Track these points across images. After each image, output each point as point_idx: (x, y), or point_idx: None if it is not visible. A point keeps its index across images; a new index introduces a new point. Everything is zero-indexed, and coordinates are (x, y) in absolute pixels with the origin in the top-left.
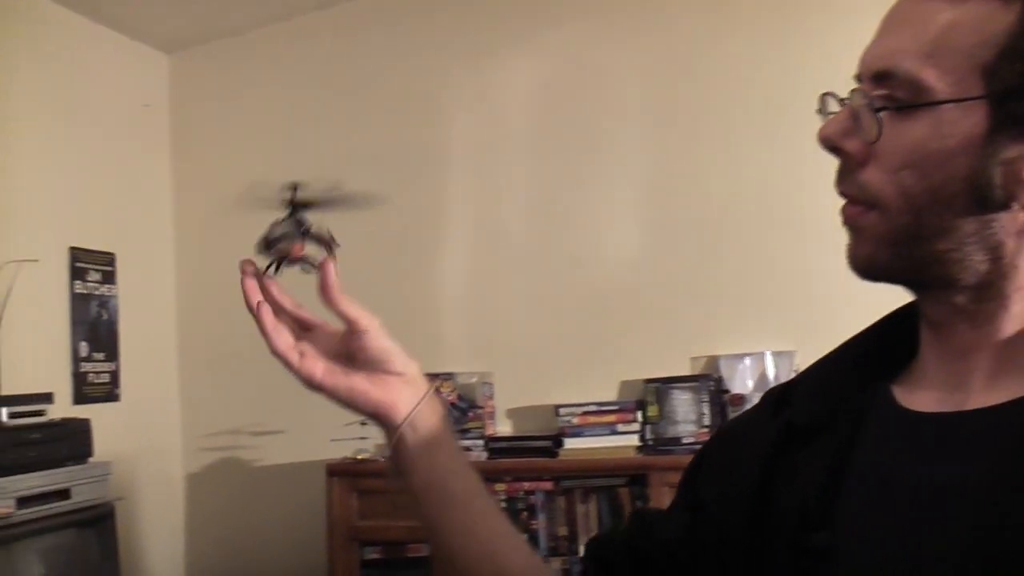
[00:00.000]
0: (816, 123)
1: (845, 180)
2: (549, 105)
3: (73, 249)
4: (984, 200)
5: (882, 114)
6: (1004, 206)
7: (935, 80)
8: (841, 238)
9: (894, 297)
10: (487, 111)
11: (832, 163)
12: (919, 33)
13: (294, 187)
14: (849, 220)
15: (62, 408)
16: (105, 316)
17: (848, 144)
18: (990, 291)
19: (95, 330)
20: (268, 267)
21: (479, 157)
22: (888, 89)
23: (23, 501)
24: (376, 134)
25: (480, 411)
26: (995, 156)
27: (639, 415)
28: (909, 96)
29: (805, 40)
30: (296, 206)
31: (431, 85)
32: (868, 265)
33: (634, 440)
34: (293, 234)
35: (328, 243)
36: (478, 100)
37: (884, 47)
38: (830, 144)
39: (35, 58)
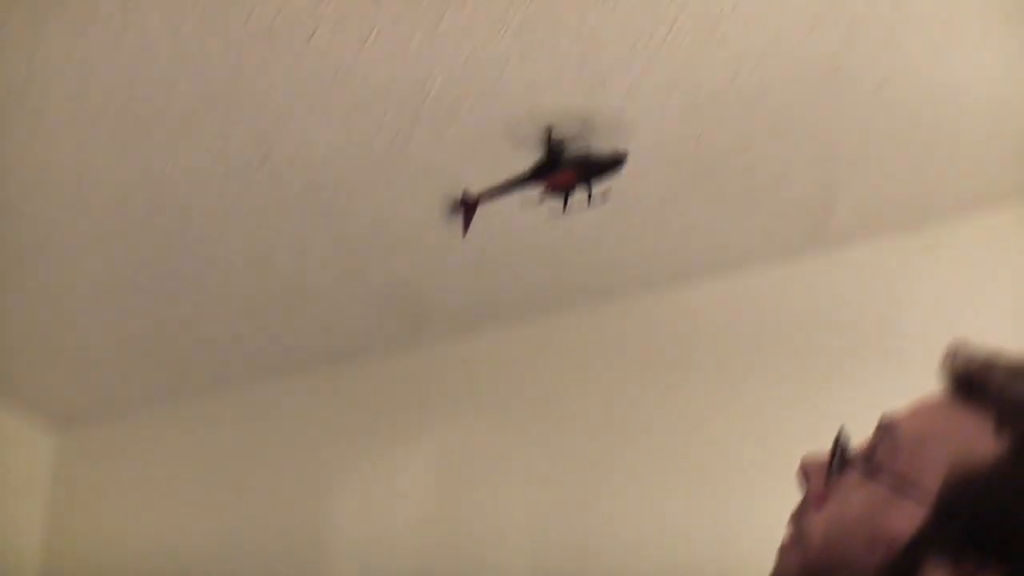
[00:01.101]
0: None
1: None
2: (438, 497)
3: None
4: None
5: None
6: None
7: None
8: None
9: None
10: (372, 500)
11: None
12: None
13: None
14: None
15: None
16: None
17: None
18: None
19: None
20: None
21: (361, 547)
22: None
23: None
24: (258, 515)
25: None
26: (916, 565)
27: None
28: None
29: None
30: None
31: (315, 469)
32: None
33: None
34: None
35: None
36: (364, 487)
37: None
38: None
39: None
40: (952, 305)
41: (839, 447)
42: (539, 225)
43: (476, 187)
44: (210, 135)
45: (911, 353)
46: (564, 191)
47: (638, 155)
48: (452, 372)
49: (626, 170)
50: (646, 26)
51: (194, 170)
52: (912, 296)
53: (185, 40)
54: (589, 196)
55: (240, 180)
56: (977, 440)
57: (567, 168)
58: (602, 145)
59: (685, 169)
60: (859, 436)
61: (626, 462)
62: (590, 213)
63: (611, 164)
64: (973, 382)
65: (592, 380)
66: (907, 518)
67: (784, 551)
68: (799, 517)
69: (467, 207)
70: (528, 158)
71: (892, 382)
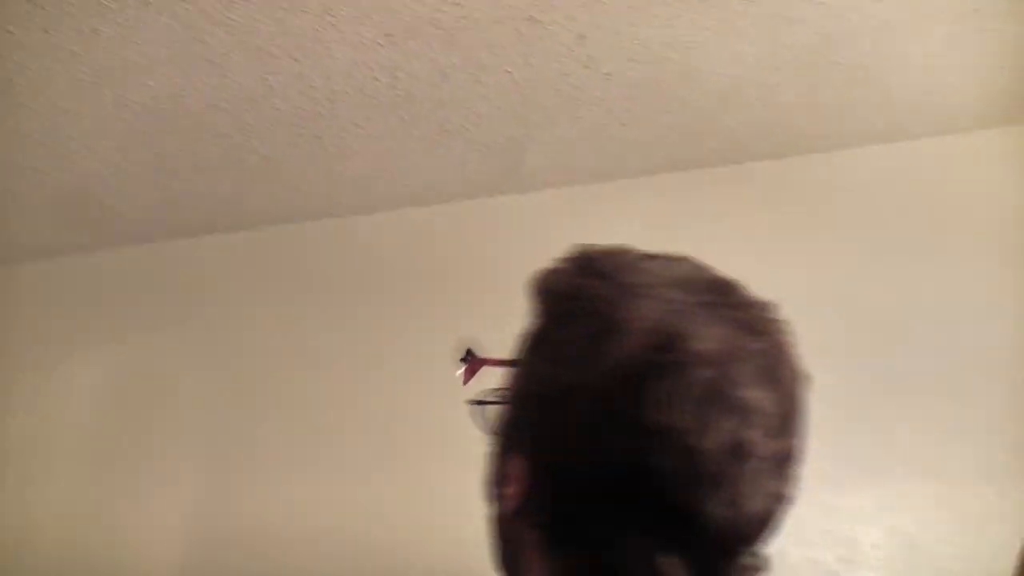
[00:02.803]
0: (378, 454)
1: None
2: (109, 406)
3: None
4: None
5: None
6: (507, 518)
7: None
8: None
9: None
10: (44, 405)
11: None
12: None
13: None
14: None
15: None
16: None
17: None
18: None
19: None
20: None
21: (30, 451)
22: None
23: None
24: None
25: None
26: (496, 464)
27: None
28: None
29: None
30: None
31: None
32: None
33: None
34: None
35: None
36: (36, 393)
37: None
38: None
39: None
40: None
41: None
42: (230, 139)
43: None
44: None
45: None
46: None
47: (332, 78)
48: (130, 283)
49: (319, 92)
50: None
51: None
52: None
53: None
54: None
55: None
56: None
57: None
58: None
59: (380, 98)
60: None
61: (302, 386)
62: (280, 133)
63: None
64: None
65: (274, 302)
66: None
67: None
68: None
69: (472, 364)
70: None
71: None
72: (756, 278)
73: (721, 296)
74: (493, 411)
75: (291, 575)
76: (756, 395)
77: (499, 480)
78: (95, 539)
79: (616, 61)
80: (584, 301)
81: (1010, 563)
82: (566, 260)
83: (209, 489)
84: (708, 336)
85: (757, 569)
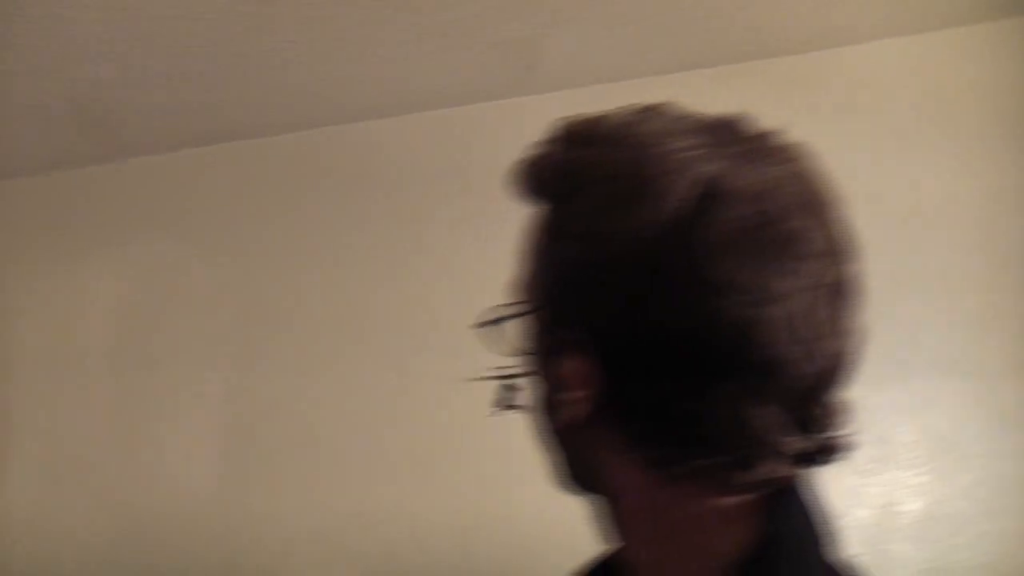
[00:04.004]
0: (398, 353)
1: None
2: (125, 317)
3: None
4: (557, 417)
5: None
6: (574, 426)
7: (527, 289)
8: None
9: None
10: (60, 317)
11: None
12: (526, 243)
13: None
14: None
15: None
16: None
17: None
18: (612, 513)
19: None
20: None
21: (48, 363)
22: None
23: None
24: None
25: None
26: (549, 372)
27: None
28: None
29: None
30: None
31: (3, 289)
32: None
33: None
34: None
35: None
36: (51, 305)
37: None
38: None
39: None
40: None
41: None
42: (239, 43)
43: None
44: None
45: None
46: None
47: None
48: (144, 192)
49: None
50: None
51: None
52: None
53: None
54: None
55: None
56: None
57: None
58: None
59: None
60: None
61: (321, 290)
62: (292, 35)
63: None
64: None
65: (288, 209)
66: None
67: None
68: None
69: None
70: None
71: None
72: None
73: (731, 133)
74: (512, 327)
75: (323, 472)
76: (805, 224)
77: (552, 390)
78: (121, 449)
79: None
80: (597, 170)
81: None
82: (551, 140)
83: (236, 392)
84: (740, 174)
85: (843, 411)
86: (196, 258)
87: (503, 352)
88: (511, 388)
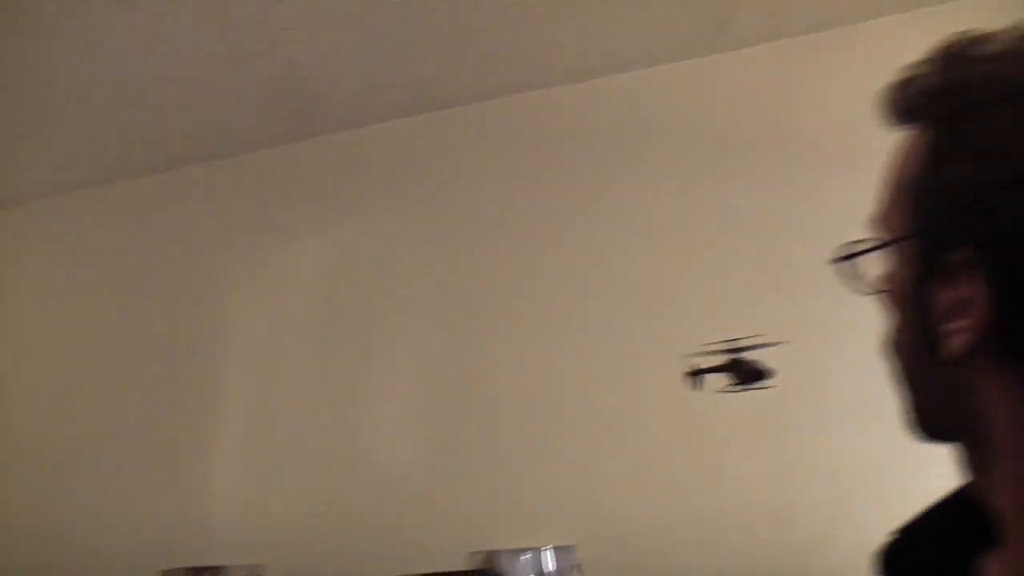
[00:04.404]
0: (597, 319)
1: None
2: (331, 292)
3: None
4: (933, 350)
5: (874, 255)
6: (954, 359)
7: (894, 219)
8: (620, 435)
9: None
10: (267, 294)
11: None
12: (893, 171)
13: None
14: None
15: None
16: None
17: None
18: (977, 457)
19: None
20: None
21: (256, 341)
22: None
23: None
24: (154, 311)
25: None
26: (927, 302)
27: None
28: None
29: (587, 243)
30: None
31: (211, 265)
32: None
33: None
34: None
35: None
36: (259, 282)
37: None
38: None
39: None
40: (852, 107)
41: None
42: (430, 16)
43: None
44: None
45: (811, 152)
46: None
47: None
48: (344, 166)
49: None
50: None
51: None
52: (814, 97)
53: None
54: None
55: None
56: (915, 152)
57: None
58: None
59: None
60: None
61: (526, 257)
62: (487, 3)
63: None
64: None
65: (489, 177)
66: (907, 263)
67: None
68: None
69: (697, 375)
70: None
71: (790, 181)
72: None
73: None
74: (870, 261)
75: (522, 445)
76: None
77: (929, 322)
78: (328, 416)
79: None
80: (1000, 86)
81: None
82: (927, 61)
83: (439, 361)
84: None
85: None
86: (401, 231)
87: (858, 290)
88: (739, 364)
